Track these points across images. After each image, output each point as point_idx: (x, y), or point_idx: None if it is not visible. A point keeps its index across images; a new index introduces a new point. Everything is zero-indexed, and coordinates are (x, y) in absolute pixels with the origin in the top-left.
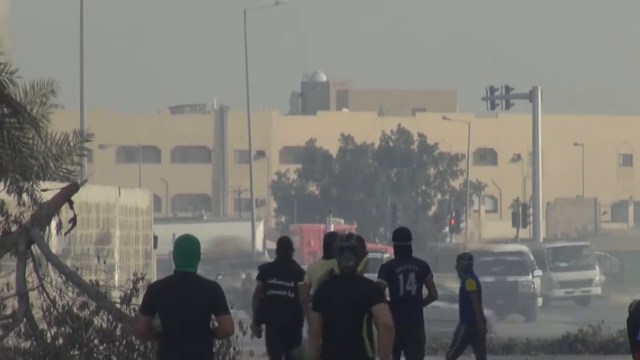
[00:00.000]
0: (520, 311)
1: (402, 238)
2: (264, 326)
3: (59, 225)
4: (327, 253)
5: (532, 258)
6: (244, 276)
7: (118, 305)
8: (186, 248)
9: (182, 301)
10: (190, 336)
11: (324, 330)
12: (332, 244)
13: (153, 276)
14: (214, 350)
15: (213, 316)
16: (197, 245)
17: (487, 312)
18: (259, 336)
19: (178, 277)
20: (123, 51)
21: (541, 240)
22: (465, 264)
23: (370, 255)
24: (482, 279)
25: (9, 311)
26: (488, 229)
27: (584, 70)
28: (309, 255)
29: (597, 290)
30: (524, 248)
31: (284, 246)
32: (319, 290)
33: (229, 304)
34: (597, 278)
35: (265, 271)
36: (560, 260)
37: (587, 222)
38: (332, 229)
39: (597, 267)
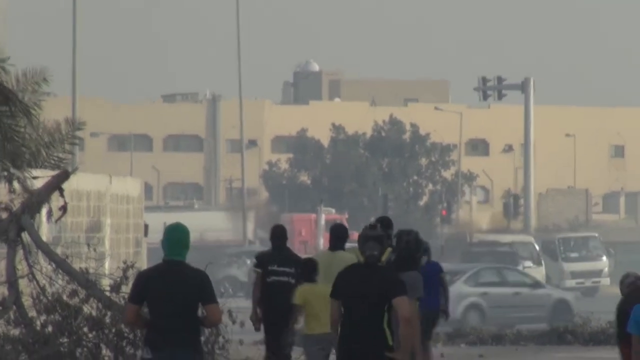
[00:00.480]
0: None
1: (386, 226)
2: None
3: (50, 213)
4: (333, 244)
5: (537, 248)
6: (248, 262)
7: (108, 293)
8: (175, 237)
9: (171, 289)
10: (178, 324)
11: (345, 317)
12: (340, 235)
13: (143, 264)
14: (203, 338)
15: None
16: (187, 233)
17: (568, 295)
18: (258, 329)
19: (167, 265)
20: (115, 39)
21: (532, 231)
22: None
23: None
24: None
25: None
26: (479, 220)
27: (577, 61)
28: (300, 244)
29: (606, 281)
30: (530, 238)
31: (278, 234)
32: (340, 278)
33: (228, 292)
34: (606, 269)
35: (264, 259)
36: (570, 251)
37: (578, 213)
38: (323, 218)
39: (604, 258)
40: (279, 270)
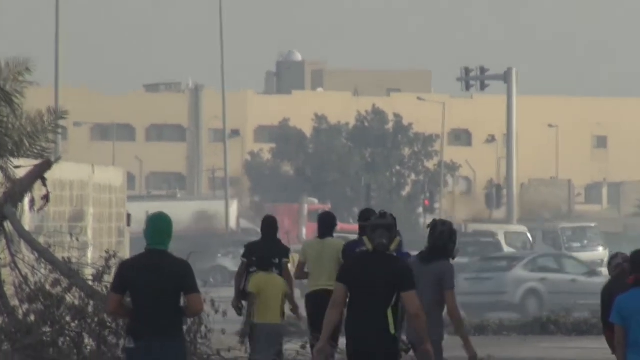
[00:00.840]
0: None
1: (367, 218)
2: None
3: (32, 202)
4: (322, 232)
5: (530, 239)
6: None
7: (90, 283)
8: (158, 226)
9: (152, 279)
10: (160, 314)
11: (350, 304)
12: (328, 223)
13: (126, 254)
14: (185, 328)
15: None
16: (169, 223)
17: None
18: (240, 313)
19: (149, 255)
20: (99, 29)
21: (515, 222)
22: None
23: (345, 235)
24: (457, 260)
25: None
26: (462, 210)
27: (560, 51)
28: (284, 234)
29: (605, 271)
30: (523, 228)
31: (269, 225)
32: (348, 263)
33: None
34: (605, 259)
35: (251, 249)
36: (572, 241)
37: (561, 204)
38: (306, 209)
39: (601, 248)
40: None
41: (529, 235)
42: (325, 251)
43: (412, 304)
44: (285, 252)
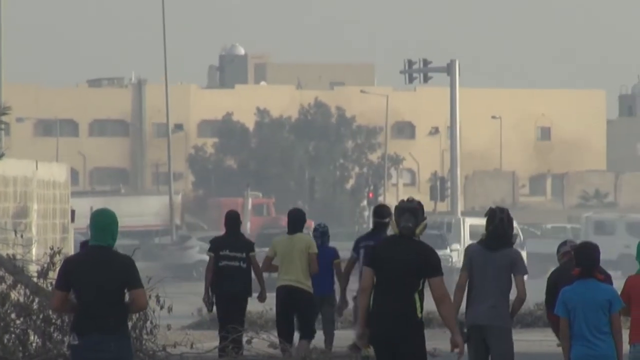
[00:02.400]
0: None
1: (382, 215)
2: (214, 299)
3: None
4: (292, 227)
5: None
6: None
7: (35, 280)
8: (102, 222)
9: (96, 275)
10: (105, 310)
11: (376, 288)
12: (297, 218)
13: (70, 250)
14: (130, 324)
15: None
16: (113, 219)
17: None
18: (210, 310)
19: (92, 251)
20: (40, 23)
21: (459, 214)
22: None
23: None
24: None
25: None
26: None
27: (502, 44)
28: None
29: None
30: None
31: (232, 220)
32: (375, 247)
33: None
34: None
35: (217, 244)
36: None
37: (505, 196)
38: (250, 202)
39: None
40: (230, 255)
41: (519, 230)
42: (295, 246)
43: (439, 289)
44: (250, 245)
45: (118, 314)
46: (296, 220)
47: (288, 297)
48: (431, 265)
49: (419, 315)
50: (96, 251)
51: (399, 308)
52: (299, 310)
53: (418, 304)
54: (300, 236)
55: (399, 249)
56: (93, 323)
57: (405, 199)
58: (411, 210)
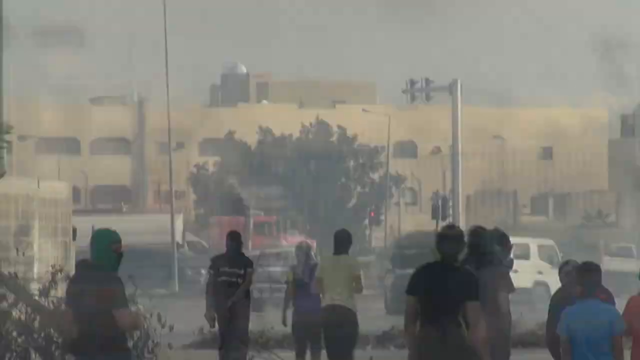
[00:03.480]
0: None
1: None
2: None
3: None
4: (337, 248)
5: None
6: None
7: (36, 298)
8: (101, 242)
9: (86, 295)
10: (96, 329)
11: (422, 315)
12: (343, 239)
13: (71, 268)
14: (131, 343)
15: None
16: (112, 239)
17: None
18: (212, 325)
19: (84, 271)
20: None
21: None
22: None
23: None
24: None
25: None
26: (408, 222)
27: (504, 63)
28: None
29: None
30: (550, 242)
31: (234, 239)
32: (417, 275)
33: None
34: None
35: (217, 261)
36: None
37: (506, 215)
38: (251, 221)
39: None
40: (229, 271)
41: (556, 248)
42: (339, 267)
43: (474, 315)
44: (249, 263)
45: (115, 332)
46: (342, 241)
47: (334, 315)
48: (467, 292)
49: (468, 341)
50: (86, 271)
51: (445, 336)
52: (343, 329)
53: (464, 329)
54: (345, 257)
55: (442, 276)
56: (86, 342)
57: (448, 225)
58: (453, 237)
